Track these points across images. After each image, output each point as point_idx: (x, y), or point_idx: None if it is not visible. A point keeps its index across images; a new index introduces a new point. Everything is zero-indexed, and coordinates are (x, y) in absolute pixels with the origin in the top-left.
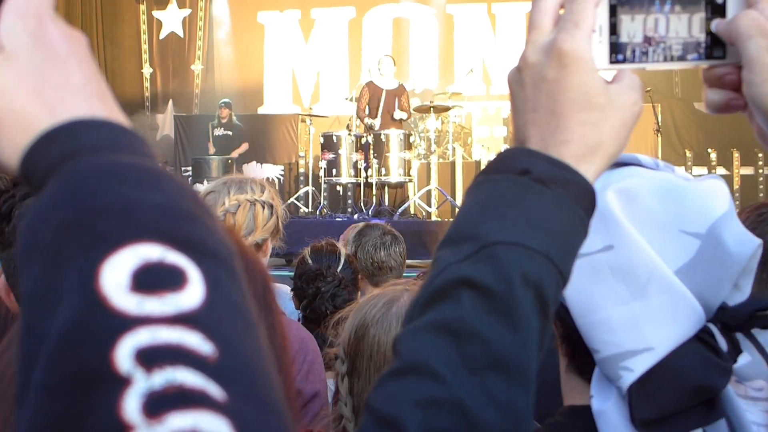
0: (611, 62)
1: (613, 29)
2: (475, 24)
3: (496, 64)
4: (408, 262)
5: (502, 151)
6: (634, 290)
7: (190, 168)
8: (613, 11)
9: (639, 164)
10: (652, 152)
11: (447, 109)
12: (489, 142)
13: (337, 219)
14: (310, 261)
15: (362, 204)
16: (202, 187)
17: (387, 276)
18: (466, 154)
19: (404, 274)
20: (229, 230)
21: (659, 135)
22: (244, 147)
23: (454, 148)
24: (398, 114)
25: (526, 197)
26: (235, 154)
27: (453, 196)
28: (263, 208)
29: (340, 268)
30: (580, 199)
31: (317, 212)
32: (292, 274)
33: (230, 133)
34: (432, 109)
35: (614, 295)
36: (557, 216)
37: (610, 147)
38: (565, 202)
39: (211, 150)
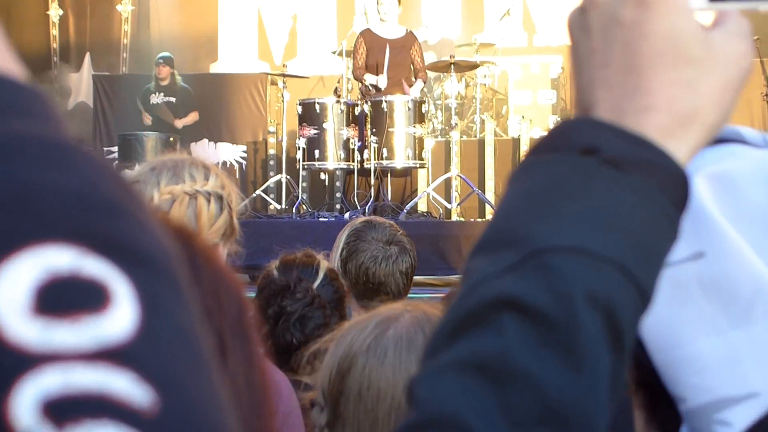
0: (710, 1)
1: None
2: None
3: (543, 3)
4: (416, 278)
5: (560, 121)
6: (734, 314)
7: (115, 148)
8: None
9: (741, 141)
10: (760, 124)
11: (474, 66)
12: (531, 113)
13: (320, 219)
14: (275, 273)
15: (355, 198)
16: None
17: (382, 300)
18: (500, 130)
19: (410, 296)
20: (178, 228)
21: None
22: (193, 117)
23: (483, 121)
24: (415, 90)
25: (592, 185)
26: (178, 124)
27: (481, 187)
28: (208, 201)
29: (316, 283)
30: (669, 187)
31: (293, 210)
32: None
33: (173, 99)
34: (453, 66)
35: (706, 322)
36: (636, 211)
37: (709, 116)
38: (647, 191)
39: (147, 121)
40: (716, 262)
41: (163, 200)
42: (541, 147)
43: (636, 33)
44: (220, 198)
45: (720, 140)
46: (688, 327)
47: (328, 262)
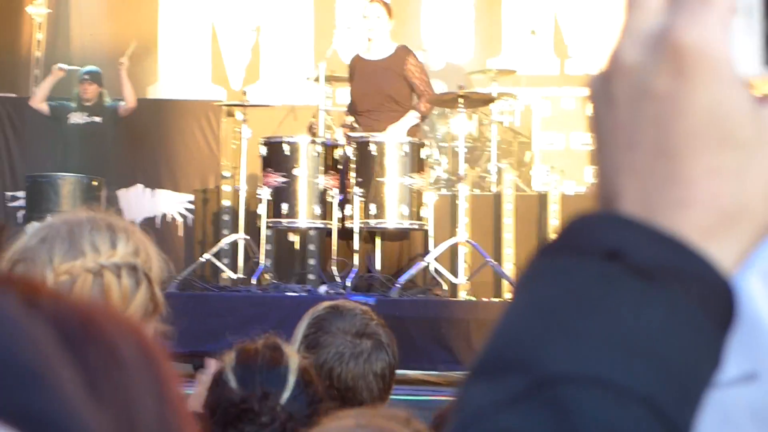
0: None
1: None
2: None
3: (579, 20)
4: (412, 375)
5: (577, 216)
6: None
7: (22, 193)
8: None
9: None
10: None
11: (488, 100)
12: (563, 161)
13: (288, 294)
14: (232, 381)
15: (334, 268)
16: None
17: (354, 407)
18: (522, 182)
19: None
20: (89, 307)
21: None
22: (133, 97)
23: (500, 171)
24: (399, 129)
25: (615, 300)
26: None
27: (497, 256)
28: (118, 276)
29: (285, 395)
30: (709, 302)
31: (253, 280)
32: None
33: (99, 120)
34: (462, 99)
35: None
36: (668, 333)
37: (759, 212)
38: (682, 308)
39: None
40: None
41: (60, 282)
42: (554, 247)
43: (671, 108)
44: (133, 269)
45: None
46: None
47: (299, 356)
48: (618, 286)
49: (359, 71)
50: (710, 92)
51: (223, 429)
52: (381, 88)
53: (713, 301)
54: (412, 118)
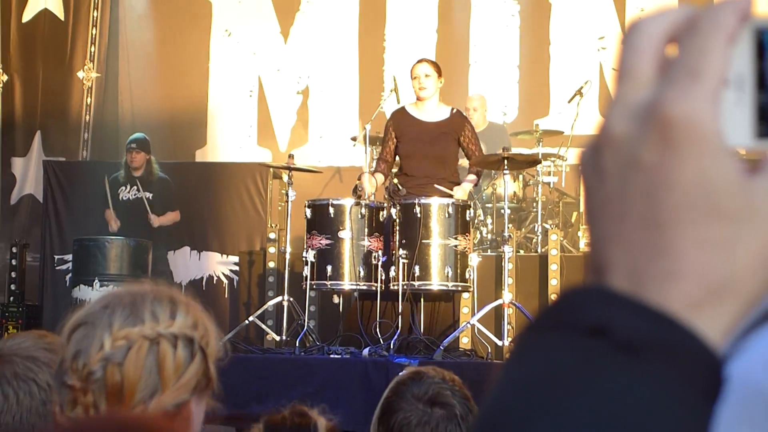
0: (758, 135)
1: (763, 80)
2: (588, 5)
3: None
4: None
5: (565, 290)
6: None
7: (69, 256)
8: (761, 51)
9: None
10: None
11: (535, 161)
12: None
13: (331, 356)
14: None
15: (378, 329)
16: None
17: None
18: (568, 243)
19: None
20: None
21: None
22: (173, 217)
23: (546, 231)
24: (459, 193)
25: (600, 378)
26: (155, 222)
27: None
28: (174, 346)
29: None
30: (697, 375)
31: (297, 343)
32: None
33: (149, 195)
34: (507, 161)
35: None
36: (655, 410)
37: (748, 284)
38: (669, 383)
39: (113, 226)
40: None
41: (116, 347)
42: (542, 323)
43: (658, 180)
44: (190, 341)
45: None
46: None
47: (326, 419)
48: (603, 363)
49: (409, 132)
50: (698, 165)
51: None
52: (435, 152)
53: (701, 375)
54: (472, 181)
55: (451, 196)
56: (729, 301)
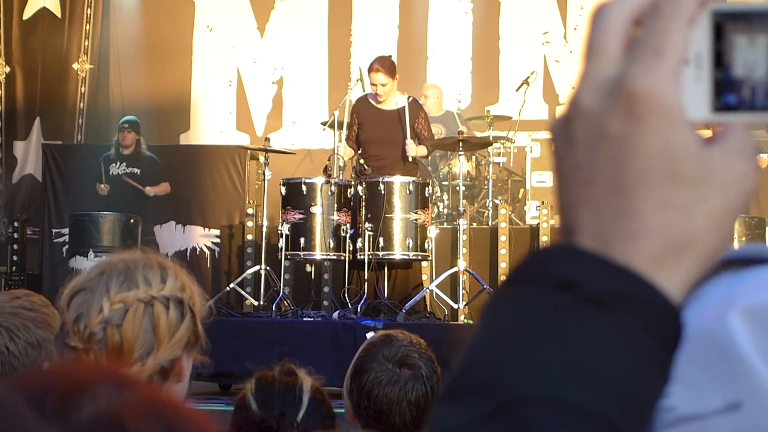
0: (715, 110)
1: (719, 59)
2: (533, 4)
3: (567, 69)
4: None
5: (536, 249)
6: None
7: (66, 230)
8: (718, 32)
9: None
10: None
11: (486, 143)
12: (552, 198)
13: (304, 319)
14: (253, 404)
15: (346, 295)
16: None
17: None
18: (516, 217)
19: None
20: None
21: None
22: (164, 188)
23: (496, 206)
24: (412, 149)
25: (570, 328)
26: (150, 191)
27: (493, 283)
28: (167, 307)
29: (301, 413)
30: (658, 326)
31: (273, 307)
32: (228, 408)
33: (137, 170)
34: (461, 143)
35: None
36: (620, 356)
37: (705, 244)
38: (632, 333)
39: (102, 192)
40: (757, 416)
41: (114, 310)
42: (514, 278)
43: (624, 148)
44: (180, 302)
45: (756, 260)
46: None
47: (312, 379)
48: (572, 315)
49: (370, 118)
50: (661, 134)
51: None
52: (392, 136)
53: (661, 325)
54: (423, 150)
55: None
56: (687, 259)
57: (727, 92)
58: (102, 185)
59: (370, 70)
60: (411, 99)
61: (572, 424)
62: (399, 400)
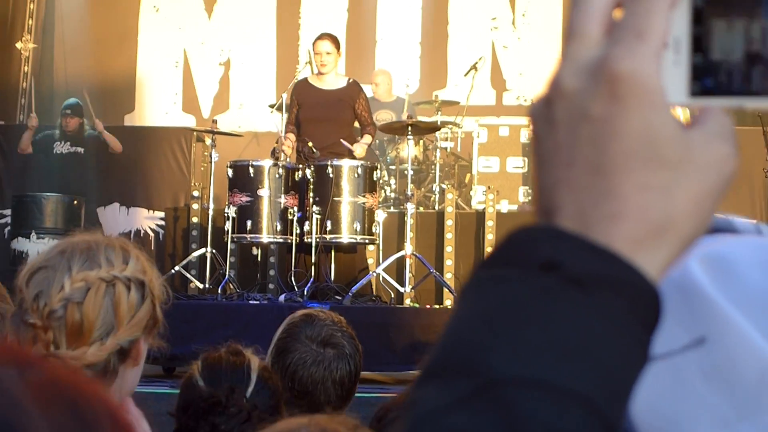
0: (693, 93)
1: (698, 44)
2: None
3: (515, 56)
4: (363, 374)
5: (517, 229)
6: (741, 404)
7: (8, 211)
8: (698, 17)
9: (734, 231)
10: (761, 200)
11: (434, 128)
12: (498, 183)
13: (251, 302)
14: (200, 382)
15: (293, 278)
16: (29, 248)
17: (311, 412)
18: (462, 201)
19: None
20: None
21: None
22: (117, 144)
23: (442, 191)
24: (359, 150)
25: (553, 309)
26: (99, 126)
27: (439, 268)
28: (128, 288)
29: (249, 390)
30: (639, 307)
31: (219, 290)
32: (171, 390)
33: (81, 150)
34: (409, 128)
35: (710, 413)
36: (602, 338)
37: (685, 225)
38: (614, 314)
39: (33, 123)
40: (720, 348)
41: (75, 288)
42: (495, 259)
43: (606, 130)
44: (141, 284)
45: (711, 230)
46: (690, 421)
47: (258, 358)
48: (555, 295)
49: (311, 99)
50: (642, 116)
51: (196, 423)
52: (333, 116)
53: (641, 305)
54: (368, 138)
55: (352, 152)
56: (667, 241)
57: (705, 76)
58: (33, 117)
59: (315, 40)
60: (351, 80)
61: (555, 405)
62: (324, 379)
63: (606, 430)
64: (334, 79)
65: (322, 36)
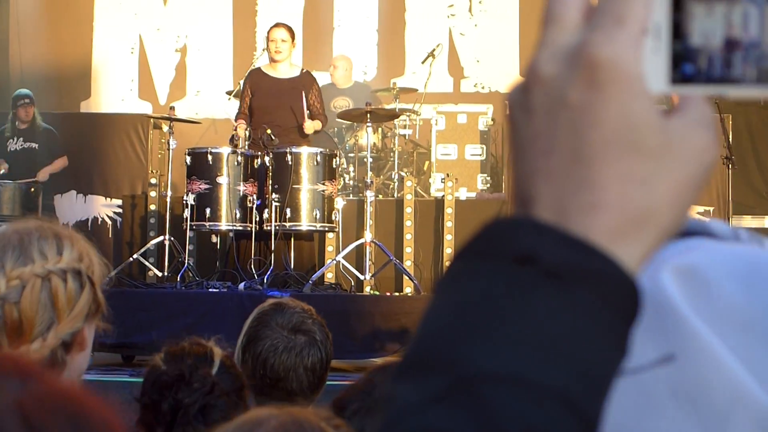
0: (673, 81)
1: (678, 30)
2: None
3: (473, 43)
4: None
5: (493, 220)
6: (710, 426)
7: None
8: (677, 2)
9: (709, 234)
10: (720, 196)
11: (393, 115)
12: (457, 170)
13: (210, 290)
14: (164, 366)
15: (253, 266)
16: None
17: (282, 399)
18: (421, 189)
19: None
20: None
21: (730, 168)
22: (61, 163)
23: (402, 178)
24: (309, 125)
25: (529, 303)
26: (42, 175)
27: (399, 255)
28: (64, 280)
29: (213, 371)
30: (616, 300)
31: (178, 278)
32: (131, 379)
33: (34, 145)
34: (368, 115)
35: None
36: (580, 332)
37: (664, 216)
38: (592, 308)
39: (2, 170)
40: (689, 367)
41: (11, 287)
42: (470, 251)
43: (585, 118)
44: (78, 273)
45: (685, 233)
46: None
47: (220, 349)
48: (531, 289)
49: (264, 87)
50: (621, 104)
51: (159, 397)
52: (285, 104)
53: (619, 298)
54: (318, 124)
55: (301, 127)
56: (647, 232)
57: (685, 63)
58: (2, 164)
59: (271, 28)
60: (305, 71)
61: (531, 401)
62: (296, 366)
63: (583, 425)
64: (288, 69)
65: (278, 24)
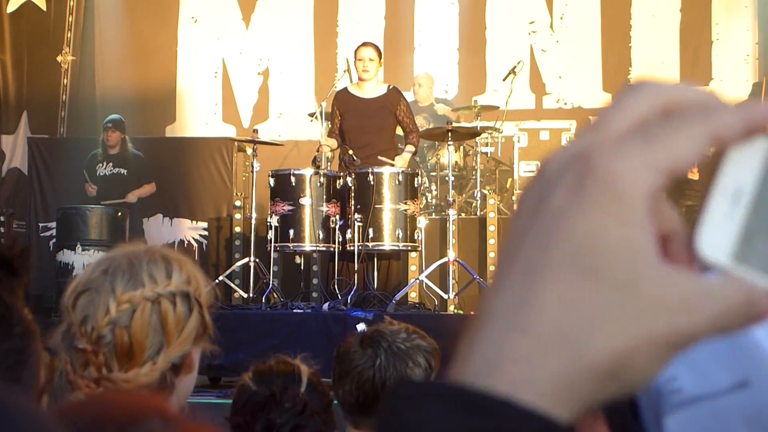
0: (735, 256)
1: (761, 204)
2: None
3: (554, 60)
4: None
5: (392, 389)
6: None
7: (53, 224)
8: None
9: None
10: None
11: (474, 133)
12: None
13: (294, 310)
14: (253, 386)
15: (336, 286)
16: (74, 260)
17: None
18: (504, 206)
19: None
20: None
21: None
22: (149, 189)
23: (484, 196)
24: (399, 163)
25: None
26: (131, 197)
27: (482, 273)
28: (174, 303)
29: (303, 388)
30: None
31: (263, 299)
32: (218, 400)
33: (123, 171)
34: (450, 133)
35: None
36: None
37: (617, 365)
38: None
39: (91, 192)
40: (763, 393)
41: (121, 311)
42: (380, 425)
43: (556, 226)
44: (186, 296)
45: None
46: None
47: (307, 367)
48: None
49: (352, 108)
50: (599, 221)
51: (252, 418)
52: (376, 124)
53: None
54: (410, 151)
55: (393, 165)
56: (585, 375)
57: (756, 242)
58: (90, 186)
59: (358, 47)
60: (392, 87)
61: None
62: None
63: None
64: (374, 87)
65: (365, 43)
